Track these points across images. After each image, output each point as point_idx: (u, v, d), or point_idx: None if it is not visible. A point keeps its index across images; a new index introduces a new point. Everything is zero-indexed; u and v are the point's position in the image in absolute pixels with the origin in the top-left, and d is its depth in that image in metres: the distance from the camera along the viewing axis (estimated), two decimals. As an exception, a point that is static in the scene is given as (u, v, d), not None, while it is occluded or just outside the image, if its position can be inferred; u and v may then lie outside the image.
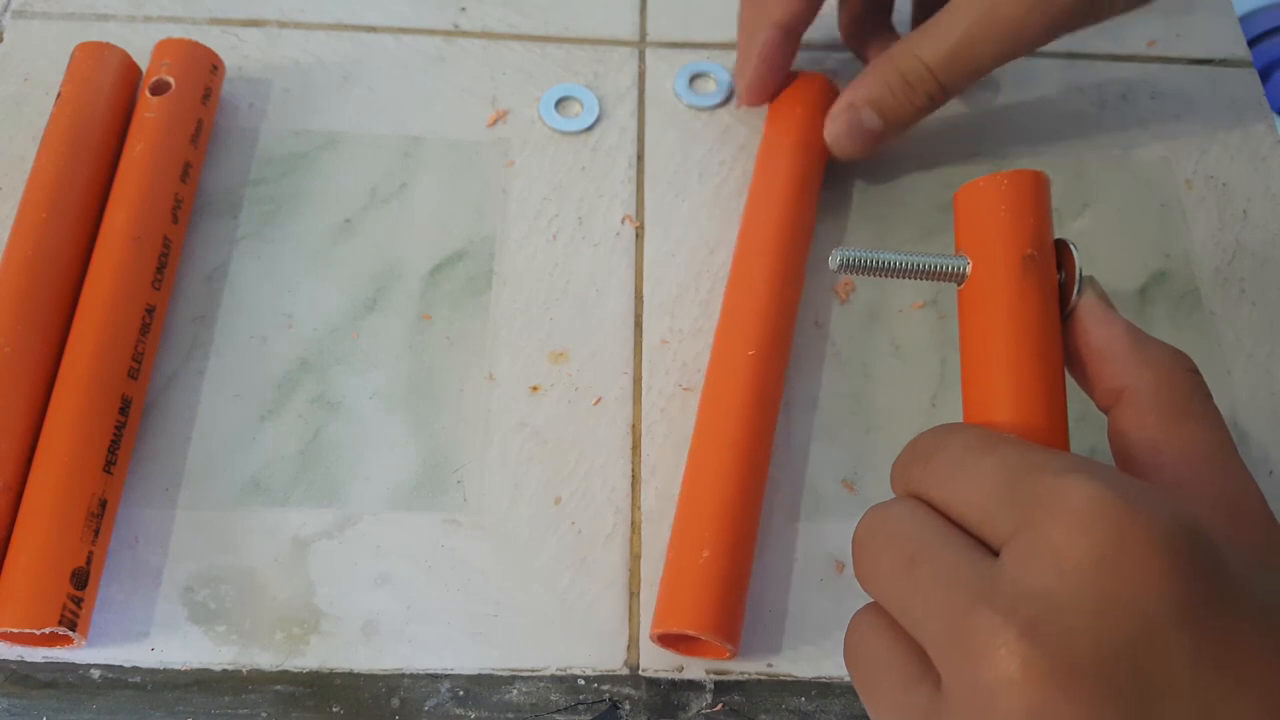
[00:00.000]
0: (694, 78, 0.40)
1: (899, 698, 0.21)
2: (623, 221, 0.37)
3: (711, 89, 0.40)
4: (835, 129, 0.35)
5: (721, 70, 0.40)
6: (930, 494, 0.23)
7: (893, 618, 0.22)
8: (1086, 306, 0.25)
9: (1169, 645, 0.18)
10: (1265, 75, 0.56)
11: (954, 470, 0.22)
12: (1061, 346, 0.25)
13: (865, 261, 0.27)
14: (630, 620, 0.31)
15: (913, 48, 0.33)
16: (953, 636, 0.20)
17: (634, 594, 0.31)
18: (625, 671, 0.30)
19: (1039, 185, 0.26)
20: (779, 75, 0.37)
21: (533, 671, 0.30)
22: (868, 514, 0.24)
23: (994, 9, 0.31)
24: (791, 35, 0.36)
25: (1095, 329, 0.25)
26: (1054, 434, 0.24)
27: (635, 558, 0.32)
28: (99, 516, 0.29)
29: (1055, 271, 0.26)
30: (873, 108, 0.34)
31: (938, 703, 0.20)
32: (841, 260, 0.27)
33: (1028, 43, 0.32)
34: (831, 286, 0.36)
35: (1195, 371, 0.24)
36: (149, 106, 0.35)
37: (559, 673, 0.30)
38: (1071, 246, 0.26)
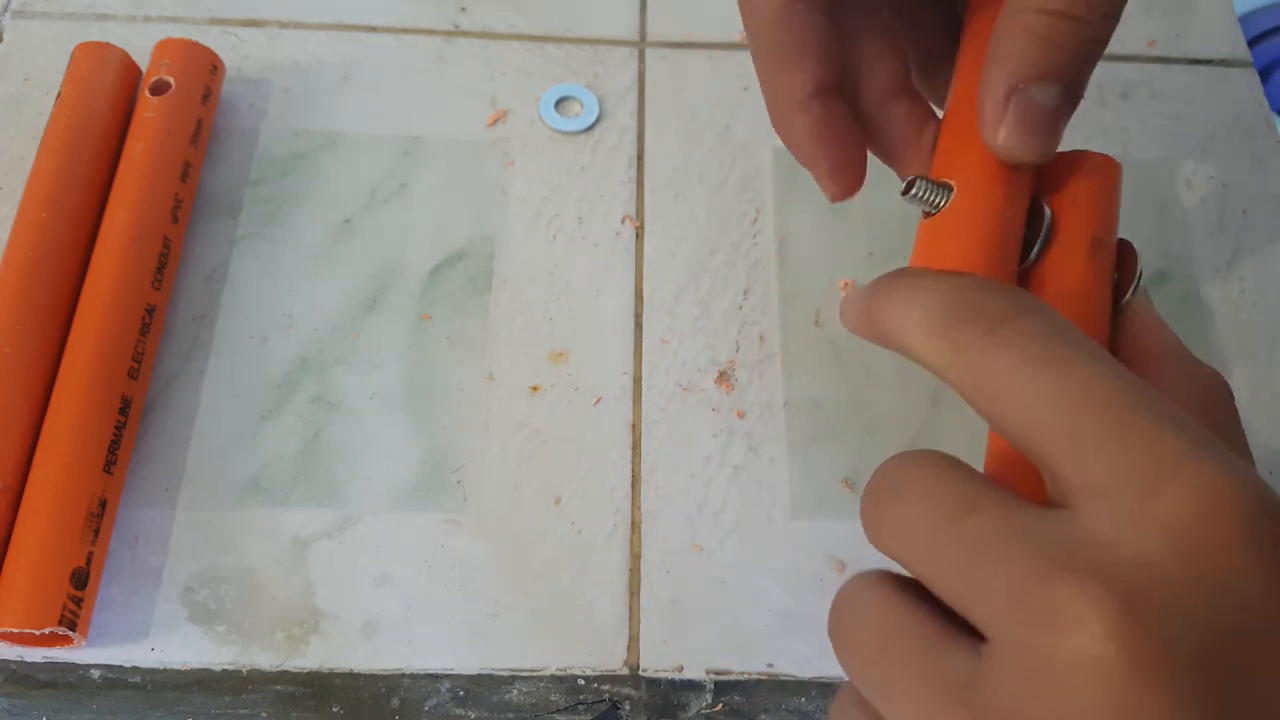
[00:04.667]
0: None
1: (919, 662, 0.18)
2: (623, 221, 0.37)
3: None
4: (1008, 130, 0.24)
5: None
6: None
7: (904, 581, 0.20)
8: (1139, 308, 0.24)
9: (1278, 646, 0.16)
10: (1265, 75, 0.56)
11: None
12: (1109, 338, 0.25)
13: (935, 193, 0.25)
14: (630, 620, 0.31)
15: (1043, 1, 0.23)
16: (1020, 596, 0.17)
17: (634, 594, 0.31)
18: (625, 671, 0.30)
19: (1116, 174, 0.26)
20: (853, 145, 0.27)
21: (533, 671, 0.30)
22: (891, 465, 0.20)
23: None
24: (830, 93, 0.26)
25: (1145, 331, 0.24)
26: None
27: (635, 558, 0.32)
28: (99, 516, 0.29)
29: (1114, 266, 0.26)
30: (1040, 76, 0.23)
31: (980, 667, 0.17)
32: (918, 190, 0.25)
33: None
34: (833, 286, 0.36)
35: (1234, 398, 0.23)
36: (149, 106, 0.35)
37: (559, 673, 0.30)
38: (1134, 248, 0.26)
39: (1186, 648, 0.16)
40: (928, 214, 0.25)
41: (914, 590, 0.19)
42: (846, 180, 0.27)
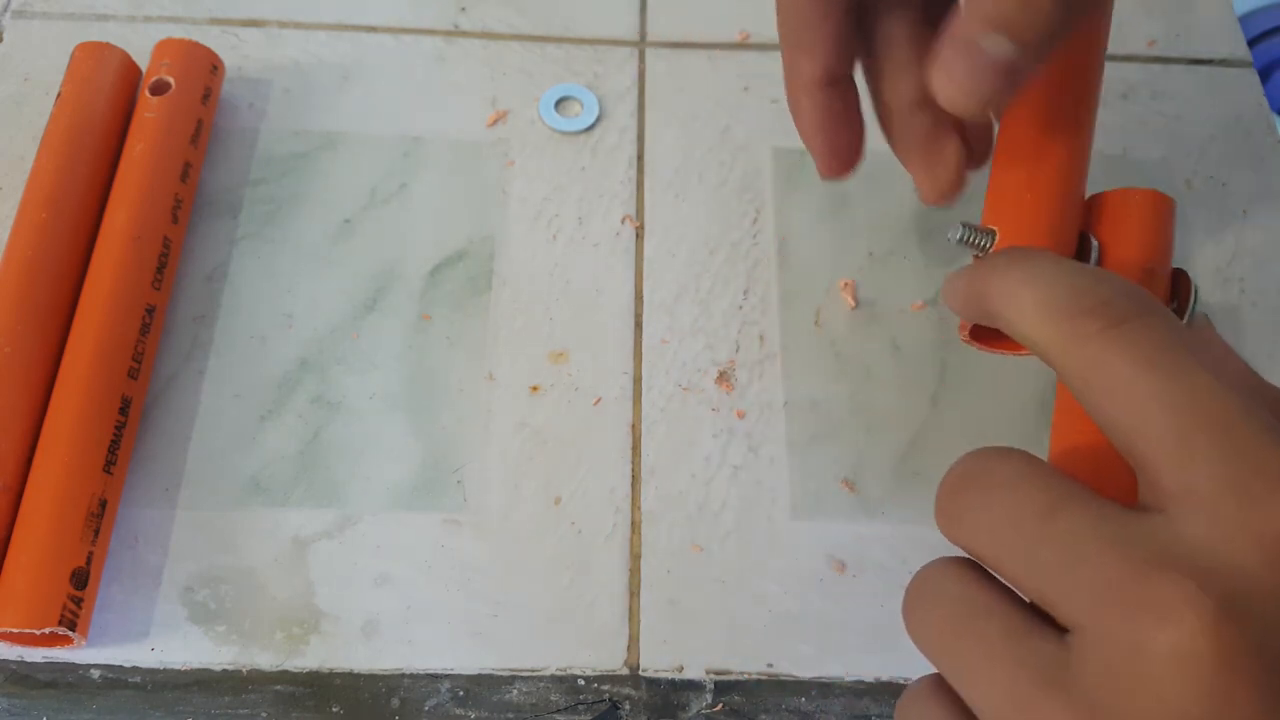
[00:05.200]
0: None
1: (1006, 644, 0.19)
2: (623, 221, 0.37)
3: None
4: (953, 83, 0.23)
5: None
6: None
7: (985, 569, 0.20)
8: (1200, 332, 0.24)
9: None
10: (1265, 75, 0.56)
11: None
12: None
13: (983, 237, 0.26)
14: (630, 620, 0.31)
15: None
16: (1116, 591, 0.17)
17: (634, 594, 0.31)
18: (625, 671, 0.30)
19: (1166, 208, 0.27)
20: (849, 134, 0.29)
21: (533, 671, 0.30)
22: (971, 460, 0.21)
23: None
24: (837, 85, 0.28)
25: (1207, 353, 0.24)
26: None
27: (635, 558, 0.32)
28: (99, 516, 0.29)
29: (1169, 296, 0.26)
30: (995, 26, 0.22)
31: (1066, 657, 0.18)
32: (963, 235, 0.26)
33: None
34: (833, 286, 0.36)
35: None
36: (149, 106, 0.35)
37: (559, 673, 0.30)
38: (1190, 277, 0.26)
39: (1278, 653, 0.16)
40: (977, 258, 0.26)
41: (992, 579, 0.20)
42: (838, 165, 0.29)
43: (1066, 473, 0.21)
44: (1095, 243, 0.27)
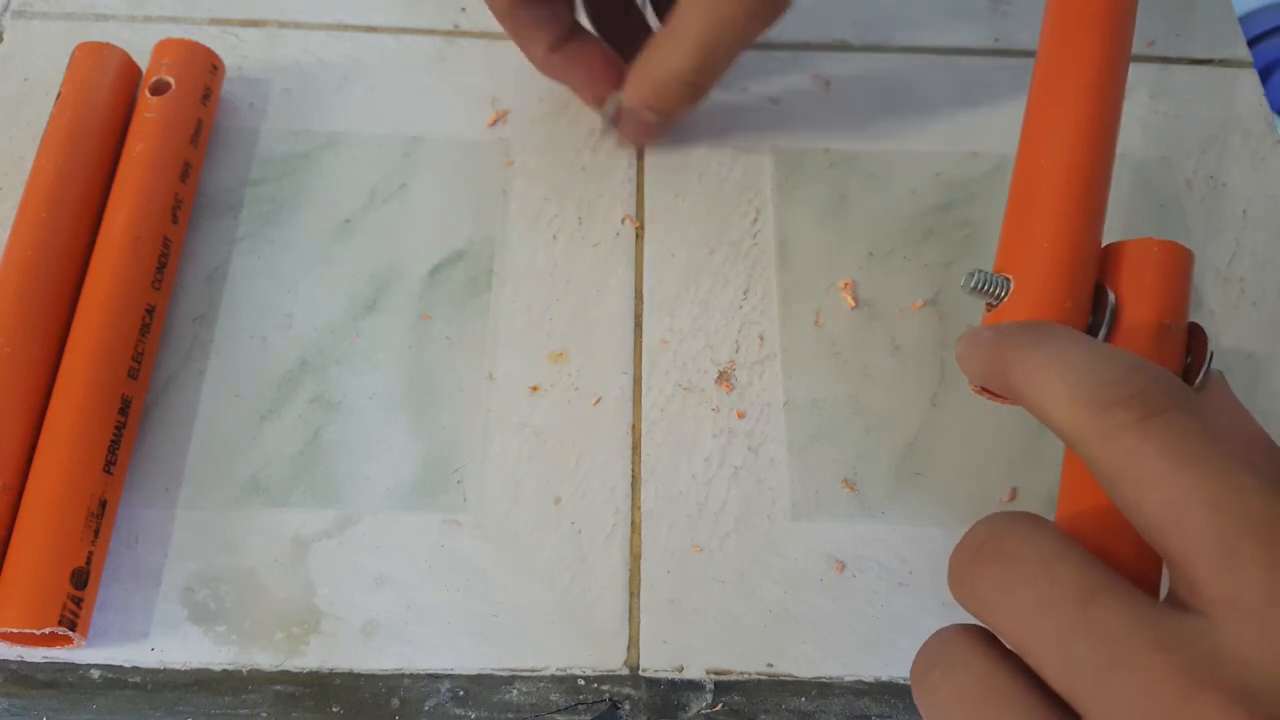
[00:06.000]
0: None
1: None
2: (623, 221, 0.37)
3: None
4: (621, 131, 0.37)
5: None
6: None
7: (999, 642, 0.19)
8: (1214, 391, 0.24)
9: None
10: (1265, 75, 0.56)
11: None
12: None
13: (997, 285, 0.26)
14: (630, 620, 0.31)
15: (663, 60, 0.33)
16: (1158, 704, 0.16)
17: (634, 594, 0.31)
18: (625, 671, 0.30)
19: (1186, 262, 0.26)
20: (594, 66, 0.36)
21: (533, 671, 0.30)
22: (995, 525, 0.20)
23: (715, 12, 0.32)
24: (561, 41, 0.35)
25: (1220, 414, 0.23)
26: None
27: (635, 558, 0.32)
28: (99, 516, 0.29)
29: (1184, 351, 0.26)
30: (649, 108, 0.35)
31: None
32: (976, 281, 0.26)
33: (749, 41, 0.33)
34: (833, 286, 0.36)
35: None
36: (149, 106, 0.35)
37: (559, 673, 0.30)
38: (1205, 332, 0.26)
39: None
40: (990, 305, 0.26)
41: (1011, 655, 0.19)
42: (598, 90, 0.36)
43: (1077, 537, 0.20)
44: (1112, 297, 0.26)
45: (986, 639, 0.19)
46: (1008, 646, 0.19)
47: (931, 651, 0.20)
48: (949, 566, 0.21)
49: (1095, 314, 0.26)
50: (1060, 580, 0.18)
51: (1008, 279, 0.26)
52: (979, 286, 0.26)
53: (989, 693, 0.18)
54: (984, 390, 0.27)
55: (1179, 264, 0.26)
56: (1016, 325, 0.22)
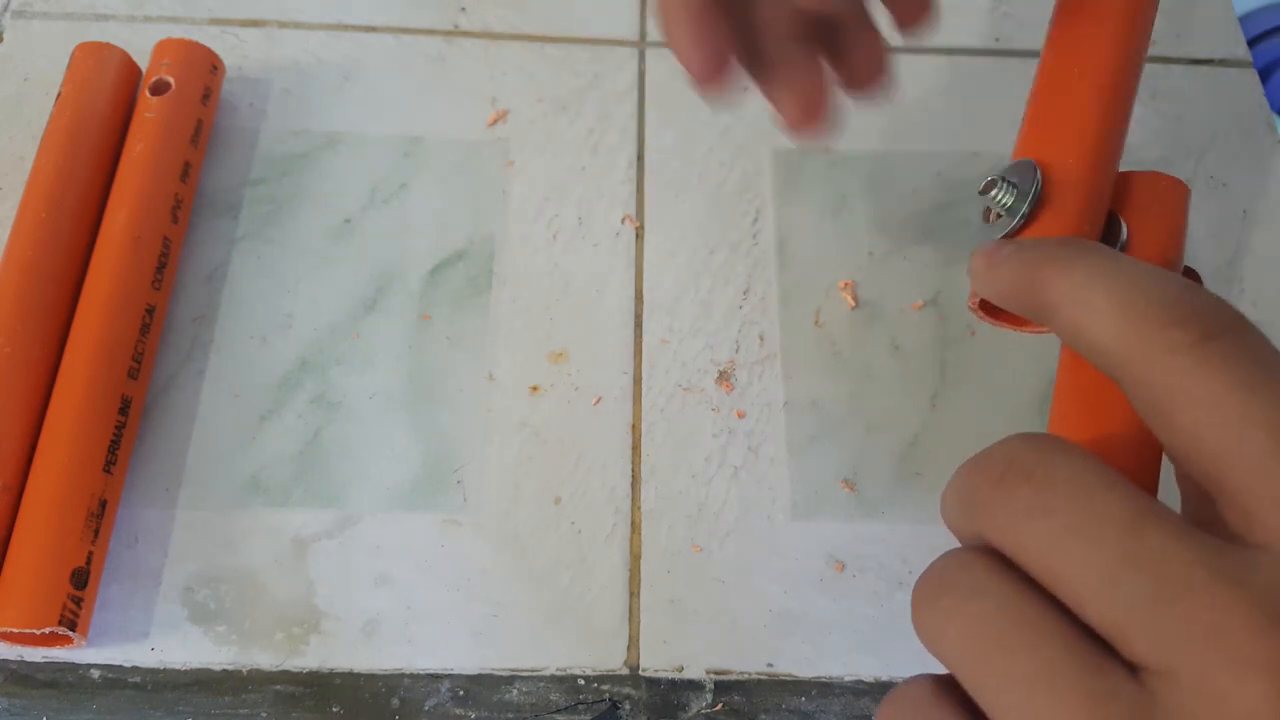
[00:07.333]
0: None
1: (1071, 675, 0.16)
2: (623, 221, 0.37)
3: None
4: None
5: None
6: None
7: (1036, 581, 0.17)
8: None
9: None
10: (1265, 75, 0.56)
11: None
12: None
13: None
14: (630, 620, 0.31)
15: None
16: (1225, 641, 0.15)
17: (634, 594, 0.31)
18: (625, 671, 0.30)
19: (1186, 198, 0.26)
20: (721, 38, 0.29)
21: (533, 671, 0.30)
22: (1007, 446, 0.18)
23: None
24: (715, 12, 0.27)
25: None
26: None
27: (635, 558, 0.32)
28: (99, 516, 0.29)
29: None
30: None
31: (1149, 704, 0.16)
32: (1003, 172, 0.25)
33: None
34: (833, 286, 0.36)
35: None
36: (149, 106, 0.35)
37: (559, 673, 0.30)
38: (1197, 272, 0.26)
39: None
40: (998, 215, 0.25)
41: (1035, 583, 0.17)
42: (709, 70, 0.28)
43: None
44: (1125, 229, 0.25)
45: (1006, 564, 0.17)
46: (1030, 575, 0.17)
47: (942, 575, 0.18)
48: (954, 488, 0.18)
49: (1106, 243, 0.25)
50: (1105, 505, 0.16)
51: (1034, 168, 0.24)
52: (1001, 182, 0.24)
53: (1015, 624, 0.17)
54: (986, 310, 0.25)
55: (1181, 200, 0.26)
56: (1051, 241, 0.20)
